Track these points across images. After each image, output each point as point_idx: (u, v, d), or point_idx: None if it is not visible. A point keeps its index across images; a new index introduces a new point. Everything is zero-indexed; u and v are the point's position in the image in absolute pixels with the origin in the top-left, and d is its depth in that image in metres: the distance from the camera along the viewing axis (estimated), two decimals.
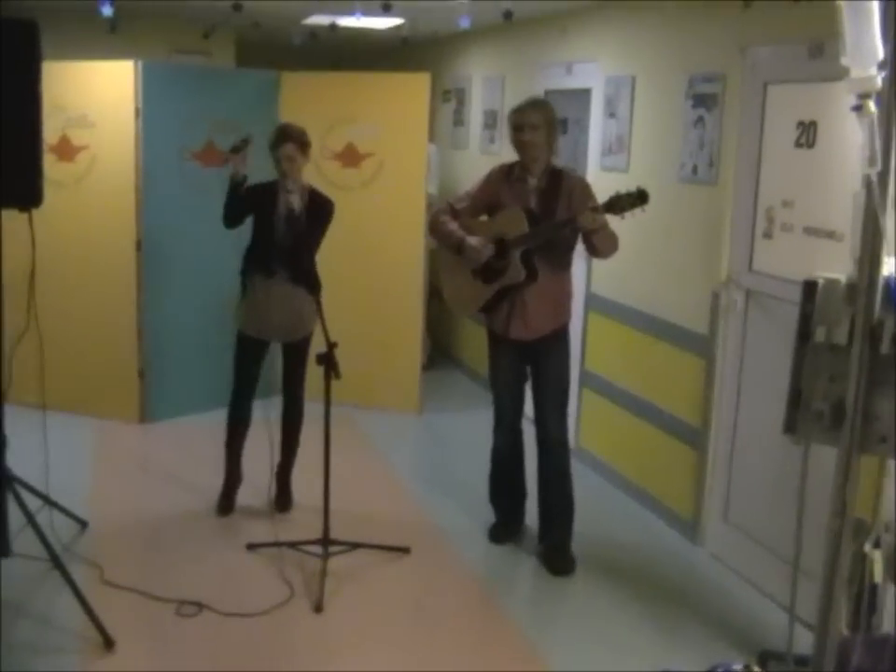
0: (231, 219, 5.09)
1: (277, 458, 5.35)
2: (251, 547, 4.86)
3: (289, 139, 5.00)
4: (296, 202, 4.94)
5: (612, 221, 4.47)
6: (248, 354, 5.23)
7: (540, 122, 4.65)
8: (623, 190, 4.38)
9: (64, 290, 6.52)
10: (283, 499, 5.40)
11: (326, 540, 4.68)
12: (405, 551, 4.92)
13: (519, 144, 4.71)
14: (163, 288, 6.55)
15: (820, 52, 4.19)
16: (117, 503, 5.42)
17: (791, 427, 3.14)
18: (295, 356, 5.26)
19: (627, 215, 4.38)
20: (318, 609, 4.34)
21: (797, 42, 4.33)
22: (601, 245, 4.61)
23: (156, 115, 6.45)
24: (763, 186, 4.69)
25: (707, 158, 5.00)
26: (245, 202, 5.06)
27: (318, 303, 4.83)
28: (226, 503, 5.33)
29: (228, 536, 4.99)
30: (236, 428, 5.34)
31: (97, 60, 6.52)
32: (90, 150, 6.57)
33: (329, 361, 4.51)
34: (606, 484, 5.96)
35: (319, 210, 5.12)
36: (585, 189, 4.78)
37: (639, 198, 4.35)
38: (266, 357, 5.33)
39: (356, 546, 4.81)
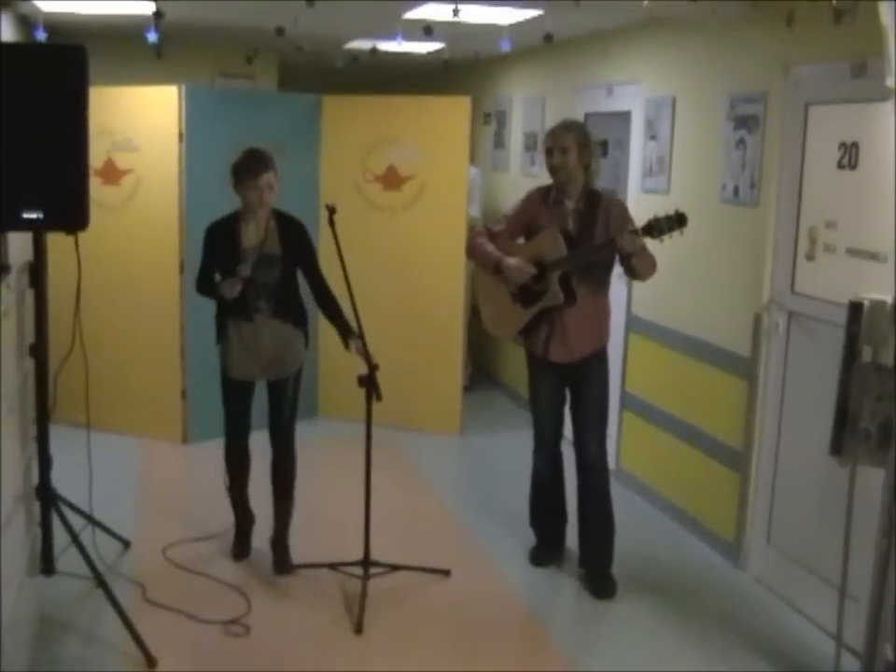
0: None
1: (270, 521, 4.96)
2: (292, 568, 4.86)
3: (270, 166, 4.67)
4: (273, 240, 4.71)
5: (652, 243, 4.45)
6: (237, 395, 4.89)
7: (571, 145, 4.63)
8: (661, 213, 4.35)
9: (109, 311, 6.60)
10: (282, 562, 4.90)
11: (367, 562, 4.69)
12: (445, 573, 4.91)
13: (550, 166, 4.72)
14: (206, 310, 6.59)
15: (863, 72, 4.17)
16: (159, 522, 5.45)
17: (837, 448, 3.12)
18: (282, 393, 4.85)
19: (665, 238, 4.35)
20: (359, 630, 4.34)
21: (840, 62, 4.31)
22: (640, 268, 4.59)
23: (199, 138, 6.53)
24: (806, 207, 4.66)
25: (749, 179, 4.98)
26: (212, 256, 4.81)
27: (306, 336, 4.88)
28: (241, 549, 5.03)
29: (269, 556, 4.99)
30: (236, 471, 5.00)
31: (142, 84, 6.61)
32: (135, 173, 6.66)
33: (370, 383, 4.51)
34: (647, 507, 5.92)
35: (292, 234, 4.80)
36: (623, 211, 4.78)
37: (678, 221, 4.31)
38: (255, 392, 4.93)
39: (396, 568, 4.81)
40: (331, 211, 4.49)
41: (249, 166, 4.66)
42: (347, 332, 4.70)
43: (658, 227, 4.33)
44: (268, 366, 4.82)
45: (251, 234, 4.74)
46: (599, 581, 4.83)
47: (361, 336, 4.59)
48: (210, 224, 4.85)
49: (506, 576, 4.99)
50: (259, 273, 4.68)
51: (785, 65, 4.72)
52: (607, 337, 4.87)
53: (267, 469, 4.94)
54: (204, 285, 4.86)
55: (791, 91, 4.72)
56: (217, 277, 4.77)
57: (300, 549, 5.02)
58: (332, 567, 4.83)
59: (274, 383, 4.86)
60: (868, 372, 2.99)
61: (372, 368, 4.51)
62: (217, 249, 4.79)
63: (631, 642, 4.40)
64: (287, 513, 4.93)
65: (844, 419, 3.05)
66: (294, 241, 4.79)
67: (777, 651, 4.33)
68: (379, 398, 4.52)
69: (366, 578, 4.64)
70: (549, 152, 4.70)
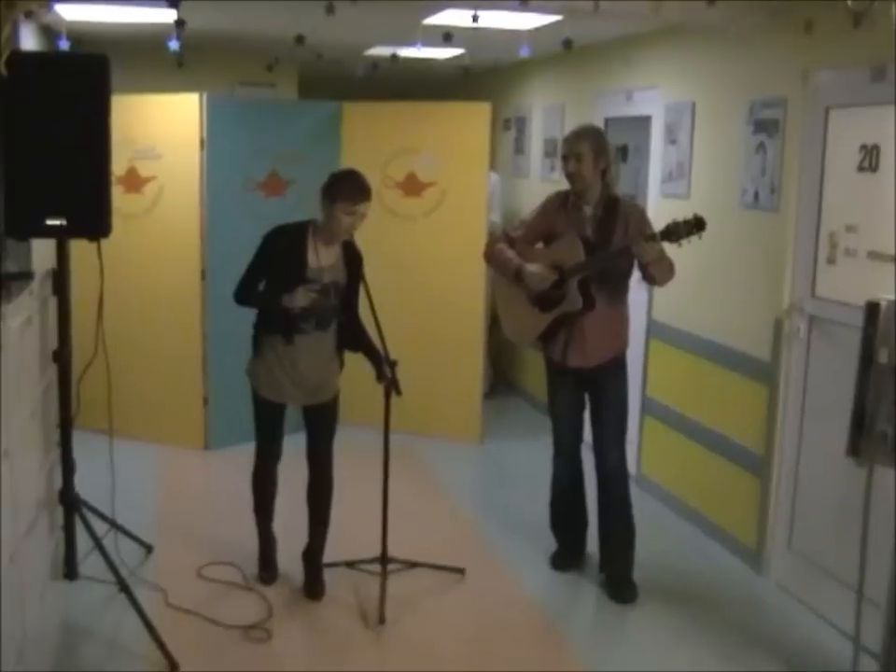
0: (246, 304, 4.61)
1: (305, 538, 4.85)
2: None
3: (370, 196, 4.44)
4: (340, 269, 4.53)
5: (671, 248, 4.46)
6: (270, 416, 4.70)
7: (586, 151, 4.63)
8: (679, 218, 4.35)
9: (131, 318, 6.63)
10: (315, 586, 4.74)
11: (384, 558, 4.73)
12: (461, 571, 4.95)
13: (567, 174, 4.73)
14: (227, 317, 6.62)
15: (882, 76, 4.16)
16: (181, 528, 5.48)
17: (854, 449, 3.12)
18: (321, 419, 4.70)
19: (684, 242, 4.35)
20: (381, 621, 4.44)
21: (859, 66, 4.30)
22: (657, 274, 4.60)
23: (220, 146, 6.56)
24: (826, 211, 4.65)
25: (769, 184, 4.97)
26: (269, 263, 4.52)
27: (341, 361, 4.71)
28: (270, 573, 4.87)
29: (286, 560, 5.00)
30: (263, 499, 4.87)
31: (164, 93, 6.66)
32: (157, 181, 6.70)
33: (390, 378, 4.47)
34: (668, 512, 5.91)
35: (356, 264, 4.61)
36: (642, 217, 4.78)
37: (696, 225, 4.31)
38: (287, 411, 4.76)
39: (413, 565, 4.87)
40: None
41: (353, 190, 4.40)
42: (380, 360, 4.51)
43: (676, 231, 4.33)
44: (306, 389, 4.62)
45: (323, 256, 4.50)
46: (620, 586, 4.83)
47: (389, 362, 4.48)
48: (275, 229, 4.55)
49: (524, 581, 4.99)
50: (317, 300, 4.45)
51: (804, 70, 4.71)
52: (625, 343, 4.86)
53: (293, 479, 4.88)
54: (247, 293, 4.57)
55: (810, 96, 4.71)
56: (261, 287, 4.57)
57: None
58: (350, 565, 4.87)
59: (313, 407, 4.69)
60: (885, 374, 2.99)
61: (392, 363, 4.48)
62: (280, 259, 4.49)
63: (650, 648, 4.39)
64: (323, 537, 4.80)
65: (861, 420, 3.05)
66: (355, 272, 4.60)
67: (798, 656, 4.31)
68: (398, 392, 4.49)
69: (384, 573, 4.68)
70: (565, 159, 4.71)
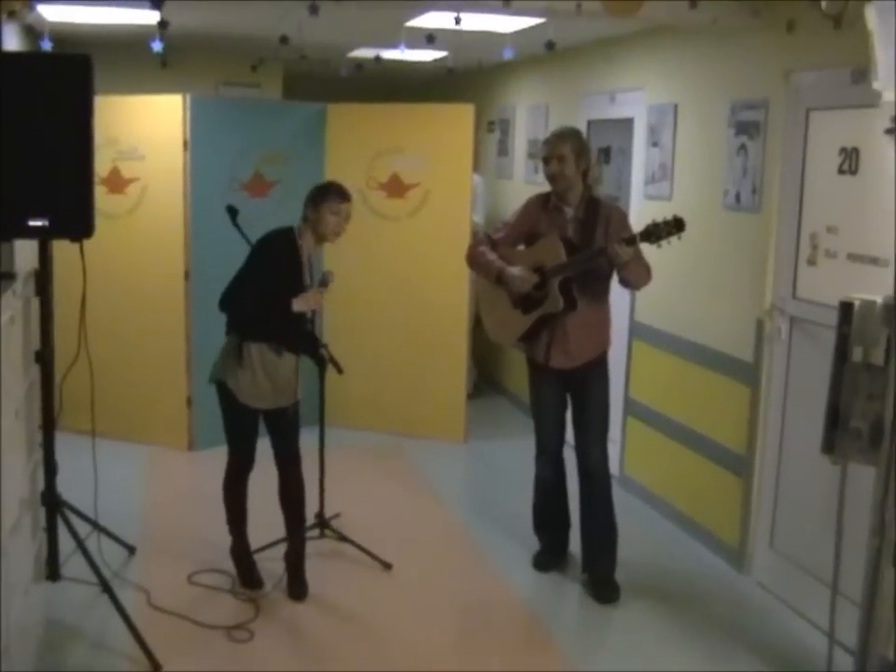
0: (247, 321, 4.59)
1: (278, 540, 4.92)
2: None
3: (350, 199, 4.63)
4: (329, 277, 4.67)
5: (653, 250, 4.48)
6: (248, 422, 4.66)
7: (567, 153, 4.66)
8: (659, 219, 4.38)
9: (114, 319, 6.63)
10: (297, 587, 4.73)
11: (322, 524, 5.14)
12: (388, 566, 5.03)
13: (548, 175, 4.75)
14: (211, 317, 6.61)
15: (863, 78, 4.17)
16: (164, 529, 5.48)
17: (829, 446, 3.15)
18: (289, 420, 4.67)
19: (664, 243, 4.38)
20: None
21: (840, 68, 4.33)
22: (632, 277, 4.65)
23: (204, 147, 6.56)
24: (807, 212, 4.68)
25: (751, 185, 5.00)
26: (269, 270, 4.52)
27: (336, 364, 4.78)
28: (254, 580, 4.80)
29: (273, 561, 5.00)
30: (238, 514, 4.80)
31: (147, 93, 6.65)
32: (140, 182, 6.69)
33: (323, 359, 4.71)
34: (651, 512, 5.93)
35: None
36: (622, 219, 4.82)
37: (675, 226, 4.35)
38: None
39: (344, 539, 5.16)
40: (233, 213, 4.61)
41: (337, 190, 4.59)
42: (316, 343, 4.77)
43: (656, 232, 4.37)
44: (280, 393, 4.62)
45: (317, 275, 4.67)
46: (603, 585, 4.84)
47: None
48: (269, 234, 4.60)
49: (509, 580, 5.00)
50: (312, 315, 4.71)
51: (786, 72, 4.74)
52: (607, 343, 4.90)
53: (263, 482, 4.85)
54: (237, 301, 4.54)
55: (791, 97, 4.74)
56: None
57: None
58: (287, 539, 4.85)
59: (280, 409, 4.65)
60: (859, 372, 3.02)
61: (322, 345, 4.75)
62: (279, 266, 4.53)
63: (634, 647, 4.41)
64: (302, 541, 4.80)
65: (835, 418, 3.08)
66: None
67: (780, 655, 4.34)
68: (340, 371, 4.73)
69: (321, 537, 5.14)
70: (546, 161, 4.73)
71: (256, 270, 4.52)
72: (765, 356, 4.93)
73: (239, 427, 4.68)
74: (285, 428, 4.68)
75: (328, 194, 4.56)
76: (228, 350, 4.60)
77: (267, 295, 4.46)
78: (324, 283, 4.61)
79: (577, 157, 4.69)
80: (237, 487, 4.77)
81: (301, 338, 4.67)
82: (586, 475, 4.89)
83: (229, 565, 4.90)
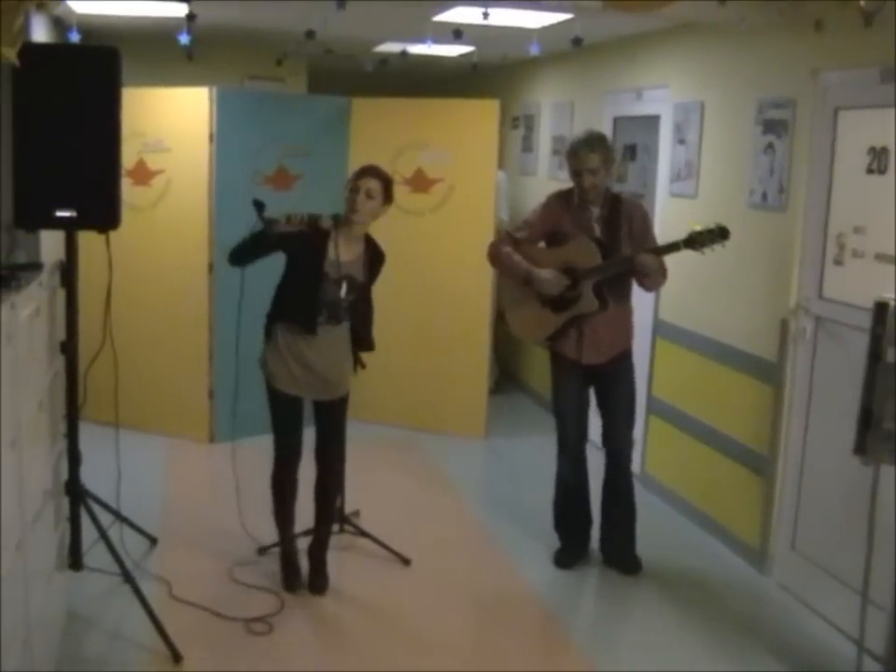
0: (245, 262, 4.52)
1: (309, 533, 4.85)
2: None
3: (379, 176, 4.49)
4: (359, 266, 4.50)
5: (692, 255, 4.55)
6: (287, 410, 4.57)
7: (598, 164, 4.72)
8: (702, 226, 4.49)
9: (138, 311, 6.65)
10: (318, 581, 4.71)
11: (342, 519, 5.05)
12: (406, 561, 5.01)
13: (581, 188, 4.78)
14: (234, 311, 6.62)
15: (892, 77, 4.15)
16: (186, 521, 5.50)
17: (861, 447, 3.13)
18: (333, 416, 4.67)
19: (707, 250, 4.50)
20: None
21: (868, 67, 4.30)
22: (650, 282, 4.81)
23: (229, 140, 6.58)
24: (834, 212, 4.65)
25: (777, 184, 4.97)
26: (287, 244, 4.43)
27: (358, 360, 4.68)
28: (297, 578, 4.71)
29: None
30: (285, 504, 4.72)
31: (174, 86, 6.67)
32: (165, 174, 6.71)
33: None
34: (672, 511, 5.91)
35: (377, 265, 4.64)
36: (645, 220, 4.93)
37: (720, 234, 4.48)
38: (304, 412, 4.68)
39: (364, 534, 5.12)
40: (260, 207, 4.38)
41: (359, 170, 4.53)
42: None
43: (700, 240, 4.50)
44: (321, 382, 4.55)
45: (343, 251, 4.45)
46: (625, 557, 5.02)
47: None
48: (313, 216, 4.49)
49: (527, 577, 5.00)
50: (331, 290, 4.45)
51: (814, 70, 4.71)
52: (632, 338, 5.00)
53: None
54: (282, 287, 4.53)
55: (819, 96, 4.71)
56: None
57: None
58: (307, 533, 4.87)
59: (325, 404, 4.63)
60: (892, 373, 3.00)
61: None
62: (300, 248, 4.43)
63: (652, 644, 4.40)
64: (328, 534, 4.80)
65: (868, 419, 3.07)
66: (376, 273, 4.63)
67: (800, 656, 4.32)
68: (363, 365, 4.72)
69: (340, 532, 5.10)
70: (578, 173, 4.75)
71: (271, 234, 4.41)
72: (790, 355, 4.91)
73: (276, 413, 4.60)
74: (329, 423, 4.66)
75: (352, 175, 4.52)
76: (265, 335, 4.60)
77: (283, 279, 4.51)
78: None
79: (607, 165, 4.77)
80: (282, 480, 4.68)
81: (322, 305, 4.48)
82: (614, 461, 5.02)
83: (250, 557, 4.91)
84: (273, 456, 4.67)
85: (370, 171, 4.50)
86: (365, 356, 4.75)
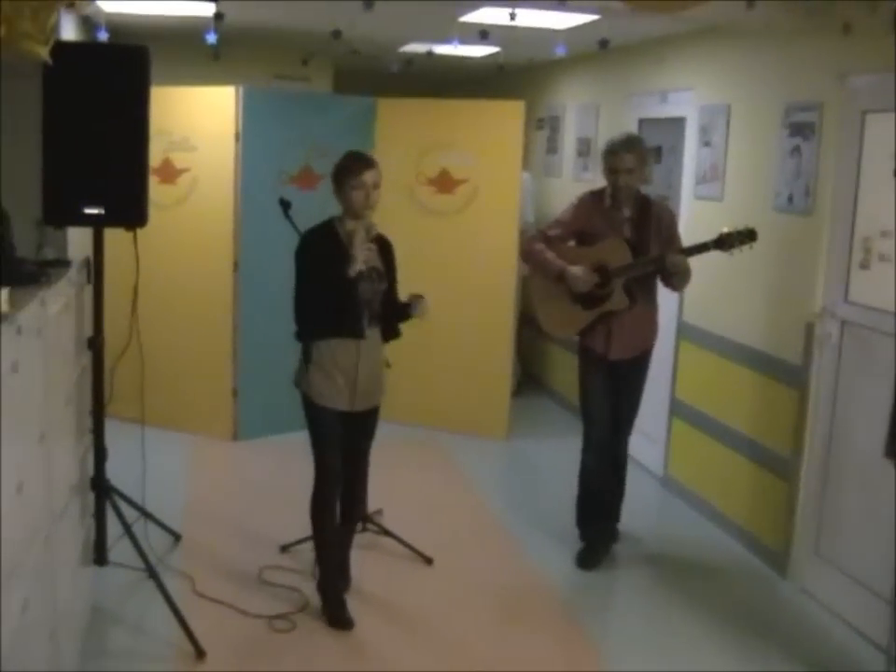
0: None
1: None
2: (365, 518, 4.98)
3: (373, 164, 4.28)
4: (375, 255, 4.29)
5: (718, 255, 4.61)
6: (334, 430, 4.33)
7: (635, 164, 4.83)
8: (731, 228, 4.60)
9: (163, 309, 6.68)
10: (341, 580, 4.64)
11: (364, 518, 5.00)
12: (429, 561, 5.04)
13: (615, 186, 4.88)
14: (258, 309, 6.67)
15: None
16: (209, 517, 5.52)
17: (892, 450, 3.12)
18: (366, 425, 4.47)
19: (735, 251, 4.61)
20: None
21: None
22: (677, 282, 4.92)
23: (255, 139, 6.60)
24: (861, 216, 4.63)
25: (804, 187, 4.96)
26: (313, 265, 4.24)
27: (386, 360, 4.50)
28: (344, 615, 4.42)
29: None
30: (326, 526, 4.44)
31: (200, 85, 6.70)
32: (191, 173, 6.75)
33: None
34: (694, 514, 5.90)
35: (389, 250, 4.46)
36: (673, 222, 5.05)
37: (749, 236, 4.60)
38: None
39: (386, 533, 5.15)
40: (286, 206, 4.33)
41: (351, 165, 4.26)
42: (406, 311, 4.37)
43: (729, 241, 4.61)
44: (367, 393, 4.37)
45: (359, 245, 4.22)
46: (609, 531, 5.27)
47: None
48: (306, 232, 4.31)
49: (548, 576, 5.00)
50: (366, 287, 4.26)
51: (841, 73, 4.69)
52: (656, 336, 5.16)
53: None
54: (304, 305, 4.28)
55: (847, 100, 4.69)
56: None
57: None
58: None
59: (364, 412, 4.42)
60: None
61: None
62: (321, 260, 4.22)
63: (671, 645, 4.40)
64: (353, 533, 4.72)
65: None
66: (390, 258, 4.45)
67: (822, 662, 4.30)
68: (388, 364, 4.50)
69: (362, 531, 5.07)
70: (614, 172, 4.85)
71: (301, 274, 4.27)
72: (815, 359, 4.89)
73: (322, 433, 4.34)
74: (364, 427, 4.47)
75: (344, 171, 4.26)
76: (301, 357, 4.35)
77: (318, 291, 4.22)
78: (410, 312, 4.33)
79: (642, 165, 4.88)
80: (323, 506, 4.42)
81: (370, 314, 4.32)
82: (615, 434, 5.20)
83: (273, 554, 4.94)
84: (315, 477, 4.39)
85: (366, 162, 4.28)
86: (388, 355, 4.72)
